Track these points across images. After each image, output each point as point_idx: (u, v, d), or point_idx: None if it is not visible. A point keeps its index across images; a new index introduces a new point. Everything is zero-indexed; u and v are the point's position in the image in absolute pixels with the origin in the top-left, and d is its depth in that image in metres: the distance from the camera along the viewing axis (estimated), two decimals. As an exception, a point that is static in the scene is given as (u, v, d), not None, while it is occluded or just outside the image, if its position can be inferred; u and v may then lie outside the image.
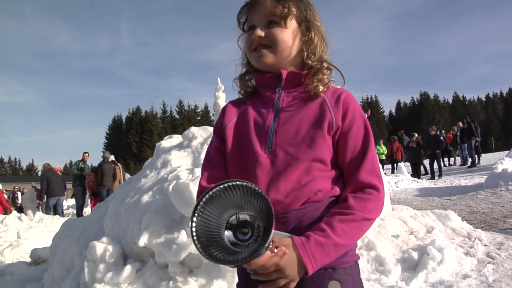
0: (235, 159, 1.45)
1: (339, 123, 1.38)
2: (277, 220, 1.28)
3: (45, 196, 15.60)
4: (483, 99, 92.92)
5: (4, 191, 19.21)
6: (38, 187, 22.95)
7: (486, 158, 24.49)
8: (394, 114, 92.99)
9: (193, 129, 5.67)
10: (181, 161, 5.16)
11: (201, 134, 5.59)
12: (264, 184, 1.34)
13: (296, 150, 1.35)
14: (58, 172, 17.57)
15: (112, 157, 16.41)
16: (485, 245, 5.22)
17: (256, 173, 1.36)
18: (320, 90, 1.43)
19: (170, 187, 4.16)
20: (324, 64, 1.49)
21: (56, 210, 15.67)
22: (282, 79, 1.48)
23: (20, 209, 18.55)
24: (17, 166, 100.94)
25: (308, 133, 1.36)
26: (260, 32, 1.44)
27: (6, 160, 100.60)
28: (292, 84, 1.48)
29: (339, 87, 1.51)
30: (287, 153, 1.35)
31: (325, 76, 1.48)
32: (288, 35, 1.46)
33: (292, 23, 1.47)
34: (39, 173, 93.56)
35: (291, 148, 1.36)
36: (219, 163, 1.50)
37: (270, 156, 1.37)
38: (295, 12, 1.46)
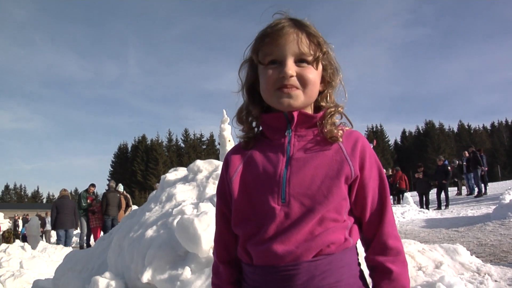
0: (243, 212, 1.37)
1: (357, 173, 1.31)
2: (287, 271, 1.25)
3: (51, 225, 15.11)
4: (488, 127, 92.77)
5: (8, 218, 19.15)
6: (43, 215, 22.99)
7: (492, 187, 24.29)
8: (399, 143, 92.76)
9: (199, 162, 5.64)
10: (186, 195, 5.12)
11: (206, 168, 5.56)
12: (275, 236, 1.27)
13: (312, 201, 1.26)
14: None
15: (121, 187, 16.34)
16: (496, 280, 5.11)
17: (268, 226, 1.28)
18: (336, 134, 1.34)
19: (175, 222, 4.12)
20: (339, 109, 1.41)
21: (65, 241, 15.01)
22: (293, 121, 1.37)
23: (23, 238, 18.43)
24: (22, 193, 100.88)
25: (325, 183, 1.28)
26: (291, 71, 1.31)
27: (11, 186, 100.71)
28: (302, 126, 1.38)
29: (348, 128, 1.42)
30: (303, 204, 1.27)
31: (337, 120, 1.40)
32: (317, 78, 1.38)
33: (320, 66, 1.39)
34: (44, 201, 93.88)
35: (306, 199, 1.27)
36: (225, 237, 1.48)
37: (284, 208, 1.27)
38: (325, 55, 1.38)
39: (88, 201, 15.34)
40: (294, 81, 1.32)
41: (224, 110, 6.72)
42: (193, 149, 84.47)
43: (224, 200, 1.48)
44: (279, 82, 1.33)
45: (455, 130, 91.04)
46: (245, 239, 1.35)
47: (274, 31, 1.35)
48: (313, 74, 1.35)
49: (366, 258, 1.36)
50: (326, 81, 1.44)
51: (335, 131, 1.35)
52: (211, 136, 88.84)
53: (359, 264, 1.36)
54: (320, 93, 1.43)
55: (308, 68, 1.34)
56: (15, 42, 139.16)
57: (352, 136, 1.38)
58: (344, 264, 1.29)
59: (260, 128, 1.49)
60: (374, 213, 1.34)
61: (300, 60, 1.34)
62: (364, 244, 1.39)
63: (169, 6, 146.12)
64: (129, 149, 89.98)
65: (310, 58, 1.34)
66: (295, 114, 1.36)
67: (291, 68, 1.31)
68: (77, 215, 15.00)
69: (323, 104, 1.42)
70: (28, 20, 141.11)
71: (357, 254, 1.37)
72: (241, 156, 1.45)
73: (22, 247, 11.30)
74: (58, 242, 14.74)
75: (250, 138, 1.47)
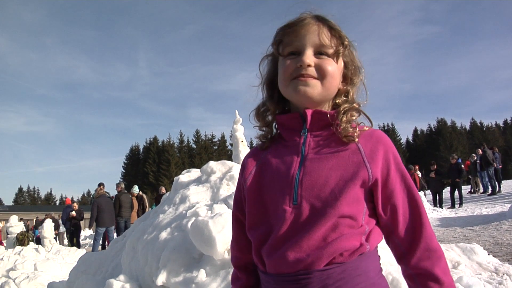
0: (256, 213, 1.34)
1: (376, 176, 1.24)
2: (298, 280, 1.21)
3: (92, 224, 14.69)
4: (501, 124, 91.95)
5: (22, 221, 19.27)
6: (56, 217, 23.13)
7: (506, 185, 24.05)
8: (411, 141, 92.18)
9: (212, 163, 5.61)
10: (200, 197, 5.09)
11: (220, 169, 5.52)
12: (284, 241, 1.22)
13: (324, 204, 1.21)
14: (109, 195, 16.20)
15: (136, 188, 16.36)
16: (514, 281, 5.03)
17: (279, 228, 1.24)
18: (352, 133, 1.28)
19: (189, 224, 4.09)
20: (354, 105, 1.35)
21: (104, 240, 14.82)
22: (307, 120, 1.32)
23: (37, 240, 18.55)
24: (35, 195, 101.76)
25: (338, 186, 1.22)
26: (309, 60, 1.28)
27: (25, 189, 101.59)
28: (318, 125, 1.33)
29: (369, 128, 1.35)
30: (314, 207, 1.21)
31: (353, 117, 1.33)
32: (337, 72, 1.33)
33: (340, 61, 1.34)
34: (57, 203, 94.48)
35: (318, 202, 1.21)
36: (241, 242, 1.47)
37: (295, 210, 1.23)
38: (346, 51, 1.34)
39: None
40: (312, 71, 1.28)
41: (236, 111, 6.69)
42: (204, 150, 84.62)
43: (239, 205, 1.46)
44: (296, 72, 1.29)
45: (467, 127, 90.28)
46: (258, 243, 1.31)
47: (296, 22, 1.32)
48: (333, 67, 1.31)
49: (410, 267, 1.28)
50: (348, 79, 1.39)
51: (351, 129, 1.28)
52: (223, 136, 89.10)
53: (380, 271, 1.29)
54: (340, 91, 1.38)
55: (327, 60, 1.30)
56: (26, 46, 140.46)
57: (374, 137, 1.31)
58: (361, 272, 1.22)
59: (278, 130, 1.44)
60: (409, 221, 1.27)
61: (320, 52, 1.31)
62: (397, 253, 1.31)
63: (179, 7, 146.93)
64: (141, 150, 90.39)
65: (330, 51, 1.31)
66: (309, 112, 1.31)
67: (309, 57, 1.28)
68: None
69: (339, 101, 1.36)
70: (39, 24, 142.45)
71: (378, 260, 1.31)
72: (257, 158, 1.42)
73: (36, 249, 11.37)
74: (96, 239, 14.42)
75: (267, 139, 1.43)
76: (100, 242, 14.87)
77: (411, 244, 1.27)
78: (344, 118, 1.30)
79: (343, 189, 1.21)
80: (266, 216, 1.30)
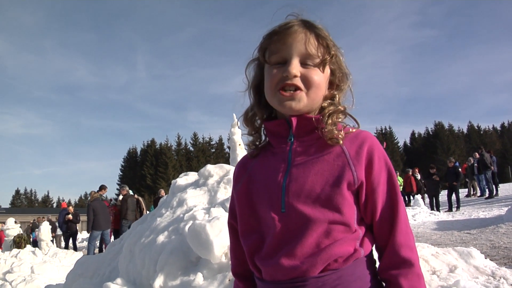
0: (247, 223, 1.34)
1: (361, 179, 1.23)
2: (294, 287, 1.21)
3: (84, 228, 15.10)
4: (498, 128, 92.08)
5: (19, 223, 19.22)
6: (53, 219, 23.09)
7: (504, 189, 24.10)
8: (408, 145, 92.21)
9: (209, 167, 5.61)
10: (197, 200, 5.08)
11: (217, 172, 5.52)
12: (278, 249, 1.22)
13: (312, 210, 1.20)
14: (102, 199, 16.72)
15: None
16: (511, 284, 5.03)
17: (270, 237, 1.25)
18: (336, 135, 1.26)
19: (186, 227, 4.09)
20: (339, 107, 1.33)
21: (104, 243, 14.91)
22: (293, 126, 1.31)
23: (34, 243, 18.52)
24: (32, 198, 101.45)
25: (324, 191, 1.21)
26: (295, 71, 1.25)
27: (22, 191, 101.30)
28: (304, 131, 1.31)
29: (356, 129, 1.33)
30: (302, 214, 1.21)
31: (339, 120, 1.32)
32: (323, 81, 1.31)
33: (327, 69, 1.33)
34: (54, 205, 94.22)
35: (306, 208, 1.21)
36: (237, 250, 1.47)
37: (284, 217, 1.23)
38: (333, 59, 1.32)
39: None
40: (298, 81, 1.27)
41: (234, 114, 6.68)
42: (202, 153, 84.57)
43: (232, 213, 1.46)
44: (282, 81, 1.27)
45: (465, 131, 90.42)
46: (251, 251, 1.32)
47: (282, 29, 1.30)
48: (319, 77, 1.29)
49: (379, 271, 1.28)
50: (335, 86, 1.37)
51: (336, 132, 1.27)
52: (220, 139, 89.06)
53: (375, 276, 1.28)
54: (326, 97, 1.36)
55: (313, 70, 1.29)
56: (24, 48, 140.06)
57: (359, 138, 1.29)
58: (356, 278, 1.22)
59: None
60: (384, 222, 1.25)
61: (306, 61, 1.29)
62: (378, 255, 1.31)
63: (177, 10, 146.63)
64: (139, 153, 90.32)
65: (316, 60, 1.29)
66: (294, 120, 1.30)
67: (295, 67, 1.26)
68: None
69: (325, 104, 1.34)
70: (37, 26, 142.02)
71: (373, 264, 1.30)
72: (246, 167, 1.42)
73: (33, 252, 11.33)
74: (90, 242, 14.54)
75: (256, 146, 1.43)
76: (97, 244, 14.89)
77: (381, 249, 1.28)
78: (330, 121, 1.29)
79: (330, 194, 1.21)
80: (258, 224, 1.30)
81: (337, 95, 1.37)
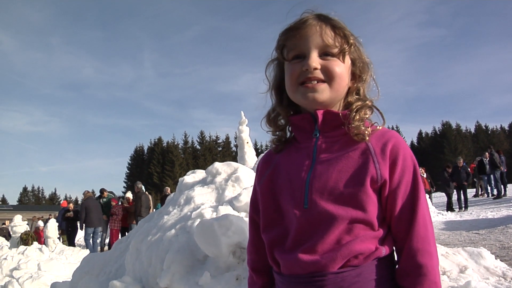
0: (270, 217, 1.32)
1: (385, 177, 1.20)
2: (312, 282, 1.18)
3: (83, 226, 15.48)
4: (506, 127, 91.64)
5: (26, 220, 19.30)
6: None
7: (512, 189, 23.94)
8: (416, 144, 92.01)
9: (217, 164, 5.56)
10: (205, 198, 5.04)
11: (225, 170, 5.47)
12: (298, 244, 1.21)
13: (335, 207, 1.18)
14: (68, 206, 17.44)
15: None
16: (522, 286, 4.96)
17: (291, 232, 1.23)
18: (363, 131, 1.24)
19: (194, 225, 4.06)
20: (367, 102, 1.31)
21: (93, 240, 15.46)
22: (318, 121, 1.28)
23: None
24: (40, 195, 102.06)
25: (348, 188, 1.19)
26: (315, 63, 1.24)
27: (29, 188, 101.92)
28: (330, 126, 1.29)
29: (382, 127, 1.31)
30: (324, 210, 1.19)
31: (366, 116, 1.30)
32: (345, 72, 1.29)
33: (347, 59, 1.30)
34: (61, 202, 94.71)
35: (328, 205, 1.19)
36: (256, 244, 1.44)
37: (306, 213, 1.21)
38: (352, 48, 1.30)
39: (113, 203, 15.66)
40: (319, 74, 1.25)
41: (242, 112, 6.66)
42: (209, 151, 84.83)
43: (254, 207, 1.44)
44: (302, 76, 1.26)
45: (472, 131, 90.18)
46: (271, 245, 1.30)
47: (298, 25, 1.29)
48: (340, 67, 1.27)
49: (396, 275, 1.24)
50: (357, 76, 1.35)
51: (362, 128, 1.24)
52: (227, 138, 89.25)
53: (394, 278, 1.24)
54: (350, 90, 1.34)
55: (333, 61, 1.27)
56: (32, 46, 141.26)
57: (385, 136, 1.27)
58: (376, 277, 1.19)
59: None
60: (401, 223, 1.21)
61: (325, 53, 1.27)
62: (397, 257, 1.27)
63: (184, 8, 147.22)
64: (145, 151, 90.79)
65: (335, 51, 1.27)
66: (320, 113, 1.28)
67: (314, 60, 1.25)
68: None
69: (351, 99, 1.32)
70: (44, 24, 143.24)
71: (394, 266, 1.26)
72: (270, 162, 1.40)
73: (40, 249, 11.35)
74: (86, 239, 15.02)
75: (280, 142, 1.41)
76: (98, 240, 15.16)
77: (399, 252, 1.24)
78: (357, 117, 1.27)
79: (353, 191, 1.19)
80: (280, 218, 1.29)
81: (361, 88, 1.35)
